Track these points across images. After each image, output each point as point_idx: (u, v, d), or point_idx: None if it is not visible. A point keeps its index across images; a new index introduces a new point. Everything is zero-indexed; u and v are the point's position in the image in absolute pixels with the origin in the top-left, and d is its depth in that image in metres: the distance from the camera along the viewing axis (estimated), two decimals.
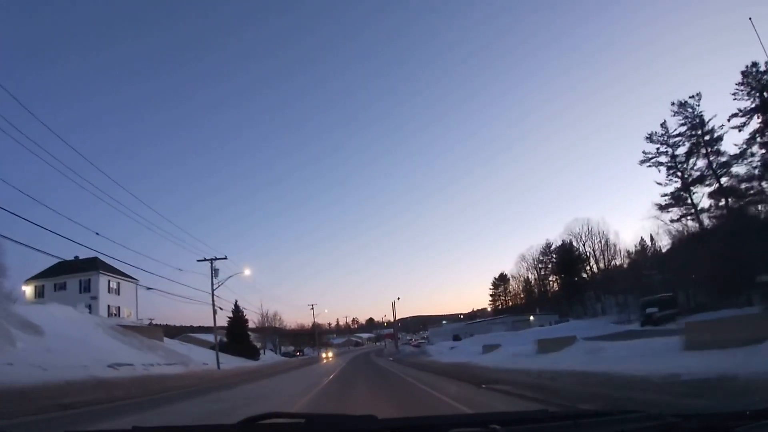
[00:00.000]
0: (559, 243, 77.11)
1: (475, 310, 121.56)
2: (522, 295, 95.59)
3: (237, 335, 51.20)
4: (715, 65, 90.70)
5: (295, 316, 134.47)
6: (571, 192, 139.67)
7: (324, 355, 64.85)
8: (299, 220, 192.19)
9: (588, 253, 74.79)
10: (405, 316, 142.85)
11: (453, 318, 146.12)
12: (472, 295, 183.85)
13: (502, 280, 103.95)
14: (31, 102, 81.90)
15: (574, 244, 74.71)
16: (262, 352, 60.55)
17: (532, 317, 64.13)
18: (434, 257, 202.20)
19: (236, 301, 51.88)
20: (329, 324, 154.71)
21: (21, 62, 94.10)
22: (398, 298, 68.42)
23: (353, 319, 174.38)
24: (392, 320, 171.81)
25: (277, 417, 1.75)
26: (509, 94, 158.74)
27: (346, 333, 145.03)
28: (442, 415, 2.50)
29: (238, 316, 52.29)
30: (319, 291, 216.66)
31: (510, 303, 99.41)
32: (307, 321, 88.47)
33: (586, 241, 73.82)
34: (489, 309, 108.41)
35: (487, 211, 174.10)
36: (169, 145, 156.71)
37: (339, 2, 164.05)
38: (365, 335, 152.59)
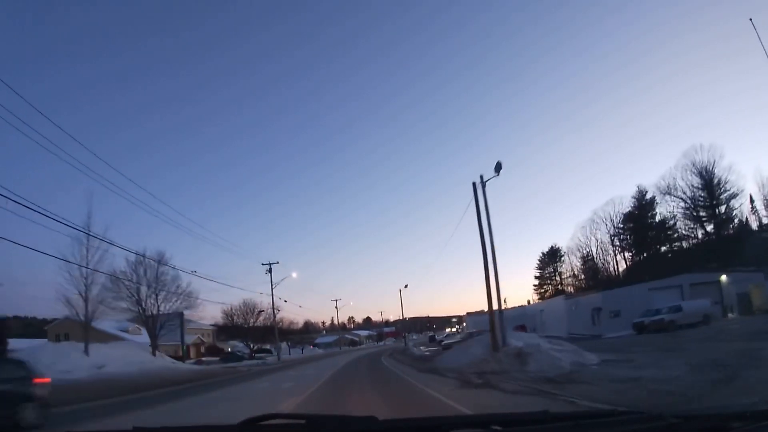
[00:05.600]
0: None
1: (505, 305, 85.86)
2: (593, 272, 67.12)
3: None
4: None
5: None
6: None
7: None
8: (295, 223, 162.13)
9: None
10: (403, 317, 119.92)
11: (459, 318, 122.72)
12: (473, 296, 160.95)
13: (553, 258, 77.36)
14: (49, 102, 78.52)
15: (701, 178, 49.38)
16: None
17: (724, 277, 34.69)
18: (434, 259, 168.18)
19: None
20: (323, 323, 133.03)
21: (36, 65, 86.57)
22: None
23: (349, 318, 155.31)
24: (391, 319, 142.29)
25: (277, 418, 1.71)
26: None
27: (341, 332, 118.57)
28: (443, 416, 2.37)
29: None
30: (317, 294, 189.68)
31: (562, 286, 74.77)
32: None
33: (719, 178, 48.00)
34: (534, 297, 79.69)
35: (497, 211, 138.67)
36: (178, 144, 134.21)
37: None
38: (363, 332, 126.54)
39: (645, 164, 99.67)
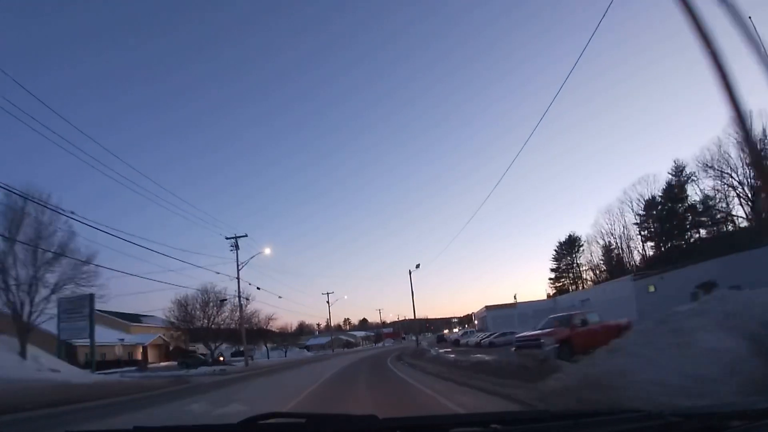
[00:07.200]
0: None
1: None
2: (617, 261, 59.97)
3: None
4: None
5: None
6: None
7: None
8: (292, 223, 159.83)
9: None
10: (401, 319, 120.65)
11: (459, 318, 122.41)
12: (470, 298, 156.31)
13: (571, 247, 70.51)
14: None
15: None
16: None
17: None
18: (431, 258, 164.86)
19: None
20: (318, 324, 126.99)
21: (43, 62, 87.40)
22: None
23: (345, 320, 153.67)
24: (389, 320, 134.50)
25: (278, 417, 1.73)
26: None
27: (335, 332, 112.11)
28: (444, 414, 2.38)
29: None
30: (314, 295, 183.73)
31: (581, 279, 68.28)
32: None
33: None
34: (550, 291, 73.67)
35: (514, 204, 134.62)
36: (188, 138, 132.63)
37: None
38: (360, 333, 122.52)
39: (682, 143, 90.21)
